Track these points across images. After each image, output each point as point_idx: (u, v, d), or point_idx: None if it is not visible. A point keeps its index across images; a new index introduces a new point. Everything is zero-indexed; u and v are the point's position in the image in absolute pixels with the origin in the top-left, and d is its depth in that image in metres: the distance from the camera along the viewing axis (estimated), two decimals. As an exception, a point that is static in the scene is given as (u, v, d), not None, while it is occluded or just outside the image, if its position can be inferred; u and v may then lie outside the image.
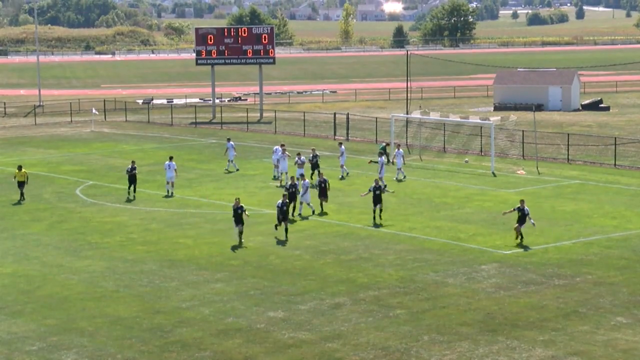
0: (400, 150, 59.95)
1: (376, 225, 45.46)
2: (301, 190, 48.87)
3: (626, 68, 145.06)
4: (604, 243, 42.21)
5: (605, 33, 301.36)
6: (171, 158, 55.74)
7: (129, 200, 52.38)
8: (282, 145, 59.99)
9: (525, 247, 41.07)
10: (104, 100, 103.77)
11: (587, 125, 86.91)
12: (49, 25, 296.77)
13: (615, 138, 67.89)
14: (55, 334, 30.96)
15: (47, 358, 28.89)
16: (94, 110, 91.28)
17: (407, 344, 29.79)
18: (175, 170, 54.60)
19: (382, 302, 33.94)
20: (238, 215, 42.83)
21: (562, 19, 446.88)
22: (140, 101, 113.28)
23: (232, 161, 62.38)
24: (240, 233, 42.94)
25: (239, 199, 43.62)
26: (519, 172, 61.41)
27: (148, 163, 65.83)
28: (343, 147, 61.86)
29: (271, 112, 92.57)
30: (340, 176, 59.87)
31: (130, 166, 53.56)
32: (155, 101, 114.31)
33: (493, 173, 60.86)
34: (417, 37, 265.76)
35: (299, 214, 48.44)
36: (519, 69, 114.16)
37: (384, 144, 65.19)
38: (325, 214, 48.43)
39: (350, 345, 29.68)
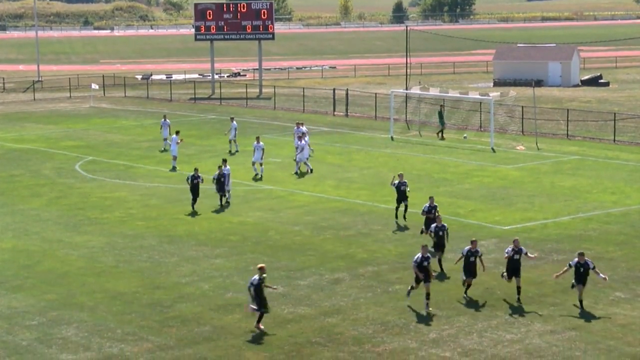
0: (261, 143, 53.49)
1: (400, 228, 41.00)
2: (297, 150, 52.92)
3: (626, 44, 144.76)
4: (603, 218, 42.26)
5: (605, 8, 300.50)
6: (177, 132, 56.16)
7: (193, 215, 44.06)
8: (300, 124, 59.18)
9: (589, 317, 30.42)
10: (103, 76, 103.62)
11: (586, 100, 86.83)
12: (48, 0, 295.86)
13: (615, 114, 67.86)
14: (55, 309, 31.04)
15: (47, 333, 28.97)
16: (93, 86, 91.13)
17: (406, 319, 29.87)
18: (177, 143, 54.97)
19: (382, 278, 34.01)
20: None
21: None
22: (139, 77, 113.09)
23: (234, 141, 61.37)
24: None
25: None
26: (518, 147, 61.40)
27: (147, 139, 65.78)
28: (304, 127, 60.72)
29: (270, 87, 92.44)
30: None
31: (192, 174, 45.13)
32: (154, 77, 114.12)
33: (492, 149, 60.85)
34: (416, 12, 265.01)
35: (296, 172, 52.07)
36: (518, 45, 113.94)
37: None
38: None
39: (349, 320, 29.76)
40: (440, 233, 34.56)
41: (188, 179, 44.82)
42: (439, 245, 34.70)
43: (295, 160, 53.96)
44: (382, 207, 44.73)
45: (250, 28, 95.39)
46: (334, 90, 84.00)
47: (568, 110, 69.58)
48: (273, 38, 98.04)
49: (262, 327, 28.99)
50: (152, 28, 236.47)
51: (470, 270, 31.54)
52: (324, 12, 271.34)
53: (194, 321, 29.82)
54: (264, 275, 29.17)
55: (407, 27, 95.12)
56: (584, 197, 46.74)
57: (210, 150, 61.48)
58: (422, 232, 37.61)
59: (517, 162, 56.52)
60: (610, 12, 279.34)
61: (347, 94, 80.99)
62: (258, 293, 28.91)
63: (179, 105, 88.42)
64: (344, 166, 55.37)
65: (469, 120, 72.47)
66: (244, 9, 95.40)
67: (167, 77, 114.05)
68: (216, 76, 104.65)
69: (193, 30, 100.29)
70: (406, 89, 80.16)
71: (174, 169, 54.68)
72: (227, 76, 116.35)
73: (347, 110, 79.76)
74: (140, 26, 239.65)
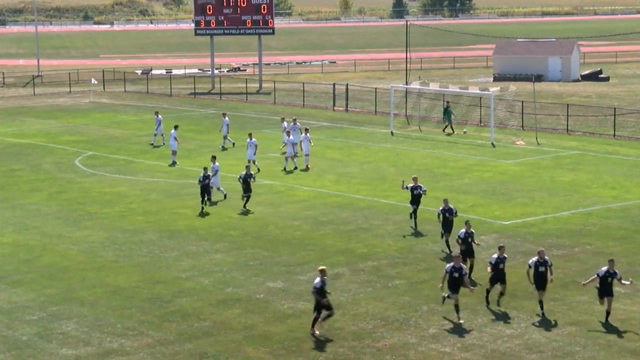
0: (254, 139, 53.16)
1: (416, 233, 39.42)
2: (287, 148, 52.94)
3: (626, 38, 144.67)
4: (602, 213, 42.27)
5: (605, 3, 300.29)
6: (176, 127, 56.20)
7: (202, 215, 43.03)
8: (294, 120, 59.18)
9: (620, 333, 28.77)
10: (103, 71, 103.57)
11: (586, 95, 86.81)
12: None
13: (615, 108, 67.85)
14: (55, 304, 31.06)
15: (47, 327, 28.99)
16: (93, 81, 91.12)
17: (406, 314, 29.88)
18: (175, 138, 54.94)
19: (381, 273, 34.02)
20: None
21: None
22: (139, 71, 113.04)
23: (226, 137, 60.73)
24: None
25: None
26: (518, 142, 61.39)
27: (147, 134, 65.71)
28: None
29: (270, 82, 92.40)
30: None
31: (202, 174, 44.28)
32: (154, 71, 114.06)
33: (492, 144, 60.84)
34: (416, 7, 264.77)
35: (284, 169, 52.21)
36: (518, 40, 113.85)
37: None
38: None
39: (349, 316, 29.77)
40: (470, 240, 33.33)
41: (200, 179, 43.74)
42: (467, 252, 33.30)
43: (284, 155, 53.78)
44: (382, 202, 44.74)
45: (250, 23, 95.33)
46: (334, 85, 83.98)
47: (568, 105, 69.58)
48: (273, 33, 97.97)
49: (317, 331, 28.00)
50: (152, 23, 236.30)
51: (499, 277, 30.48)
52: (324, 7, 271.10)
53: (194, 316, 29.84)
54: (325, 277, 28.13)
55: (407, 21, 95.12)
56: (584, 192, 46.74)
57: (210, 145, 61.45)
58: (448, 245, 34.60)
59: (517, 157, 56.52)
60: (611, 7, 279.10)
61: (347, 89, 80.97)
62: (323, 295, 27.97)
63: (178, 100, 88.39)
64: (343, 161, 55.37)
65: (469, 115, 72.43)
66: (243, 3, 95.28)
67: (167, 72, 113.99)
68: (216, 71, 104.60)
69: (193, 25, 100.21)
70: (406, 83, 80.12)
71: (173, 163, 54.69)
72: (227, 71, 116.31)
73: (347, 105, 79.74)
74: (140, 21, 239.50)
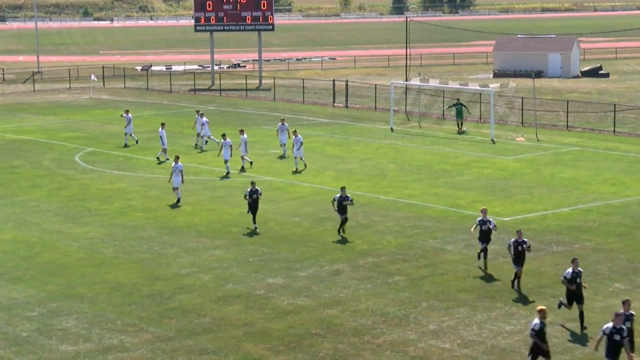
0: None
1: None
2: (294, 146, 51.28)
3: (626, 35, 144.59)
4: (602, 210, 42.27)
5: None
6: (163, 125, 55.85)
7: (250, 234, 39.01)
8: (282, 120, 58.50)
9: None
10: (103, 67, 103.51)
11: (586, 92, 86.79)
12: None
13: (615, 105, 67.84)
14: (55, 300, 31.07)
15: (47, 324, 29.00)
16: (92, 77, 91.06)
17: (406, 310, 29.90)
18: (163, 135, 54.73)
19: (381, 269, 34.04)
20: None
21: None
22: (139, 68, 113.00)
23: (203, 136, 59.15)
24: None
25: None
26: (518, 139, 61.39)
27: (147, 130, 65.69)
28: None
29: (270, 79, 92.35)
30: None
31: (250, 189, 39.75)
32: (154, 68, 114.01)
33: (492, 140, 60.83)
34: (416, 3, 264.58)
35: (295, 171, 50.77)
36: (518, 36, 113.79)
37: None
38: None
39: (349, 312, 29.79)
40: (520, 248, 31.47)
41: (246, 195, 39.34)
42: (518, 259, 31.54)
43: (294, 156, 52.54)
44: (382, 199, 44.74)
45: (250, 19, 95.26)
46: (333, 81, 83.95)
47: (568, 101, 69.56)
48: (273, 29, 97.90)
49: None
50: (151, 19, 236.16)
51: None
52: (324, 3, 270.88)
53: (194, 312, 29.85)
54: (545, 318, 24.61)
55: (407, 18, 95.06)
56: (584, 188, 46.74)
57: (209, 141, 61.37)
58: (559, 306, 29.23)
59: (516, 153, 56.52)
60: (610, 3, 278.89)
61: (347, 85, 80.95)
62: (543, 339, 24.43)
63: (178, 96, 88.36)
64: (343, 157, 55.36)
65: (469, 111, 72.34)
66: (243, 0, 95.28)
67: (166, 68, 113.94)
68: (216, 67, 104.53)
69: (193, 21, 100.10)
70: (406, 80, 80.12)
71: (163, 160, 54.19)
72: (227, 67, 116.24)
73: (346, 101, 79.72)
74: (140, 17, 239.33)
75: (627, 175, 49.59)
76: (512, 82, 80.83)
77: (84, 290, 32.08)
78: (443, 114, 70.63)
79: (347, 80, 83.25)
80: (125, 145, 59.69)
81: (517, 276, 31.69)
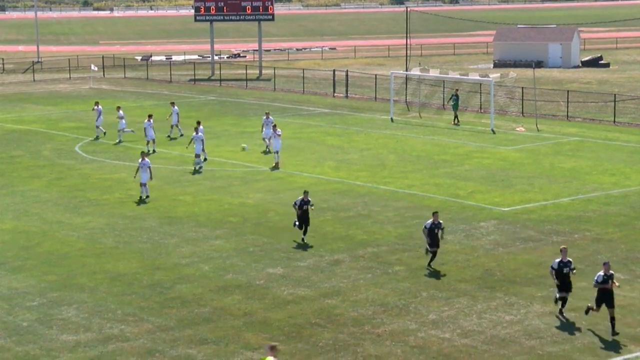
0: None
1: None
2: (273, 139, 49.99)
3: (626, 24, 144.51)
4: (602, 200, 42.28)
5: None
6: (150, 116, 55.52)
7: (304, 247, 35.71)
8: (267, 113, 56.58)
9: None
10: (103, 57, 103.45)
11: (586, 82, 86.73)
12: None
13: (615, 95, 67.81)
14: (56, 290, 31.09)
15: (47, 313, 29.02)
16: (92, 67, 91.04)
17: (405, 300, 29.92)
18: (147, 127, 54.43)
19: (381, 259, 34.05)
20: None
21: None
22: (139, 58, 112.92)
23: (176, 126, 59.60)
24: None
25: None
26: (518, 129, 61.36)
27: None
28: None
29: (270, 69, 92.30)
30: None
31: (301, 198, 36.36)
32: (153, 58, 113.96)
33: (492, 130, 60.82)
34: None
35: (274, 166, 49.46)
36: (518, 26, 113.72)
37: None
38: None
39: (349, 302, 29.80)
40: (565, 270, 28.35)
41: (295, 204, 36.13)
42: (565, 285, 28.41)
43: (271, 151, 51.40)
44: (382, 189, 44.74)
45: (250, 9, 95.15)
46: (333, 71, 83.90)
47: (568, 91, 69.53)
48: (273, 19, 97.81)
49: None
50: (151, 9, 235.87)
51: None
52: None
53: (194, 302, 29.88)
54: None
55: (407, 8, 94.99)
56: (584, 178, 46.74)
57: (210, 132, 61.35)
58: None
59: (516, 143, 56.50)
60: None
61: (347, 75, 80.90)
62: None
63: (178, 86, 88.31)
64: (343, 147, 55.35)
65: (469, 101, 72.40)
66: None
67: (166, 58, 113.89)
68: (216, 57, 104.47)
69: (193, 11, 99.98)
70: (406, 70, 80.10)
71: (151, 152, 53.81)
72: (227, 57, 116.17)
73: (347, 91, 79.68)
74: (140, 7, 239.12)
75: (627, 166, 49.59)
76: (513, 72, 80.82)
77: (84, 280, 32.11)
78: (443, 105, 70.62)
79: (347, 71, 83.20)
80: (97, 138, 59.18)
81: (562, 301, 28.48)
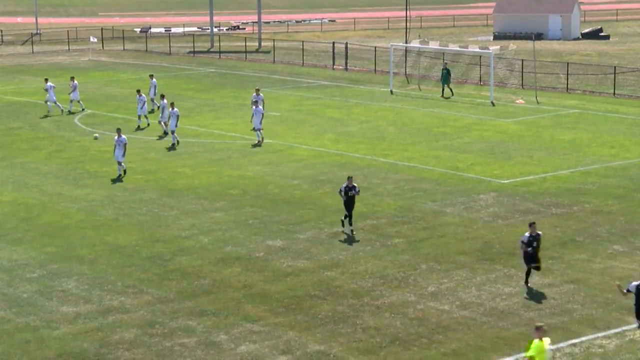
0: (175, 109, 49.28)
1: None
2: (255, 116, 48.74)
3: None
4: (602, 172, 42.30)
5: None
6: (138, 91, 54.81)
7: (348, 235, 33.89)
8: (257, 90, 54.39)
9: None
10: (102, 29, 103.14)
11: (586, 54, 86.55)
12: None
13: (615, 67, 67.69)
14: (56, 262, 31.15)
15: (47, 285, 29.09)
16: (92, 39, 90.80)
17: (405, 272, 29.98)
18: (144, 103, 53.94)
19: (381, 231, 34.09)
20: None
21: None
22: (138, 30, 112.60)
23: (152, 100, 58.66)
24: None
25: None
26: (517, 101, 61.30)
27: (146, 93, 65.48)
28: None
29: (270, 41, 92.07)
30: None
31: (346, 185, 34.03)
32: (153, 30, 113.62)
33: (492, 102, 60.76)
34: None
35: (256, 144, 48.46)
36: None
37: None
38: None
39: (348, 274, 29.87)
40: (534, 244, 28.51)
41: (341, 190, 33.97)
42: (533, 258, 28.67)
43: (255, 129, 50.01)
44: (382, 161, 44.74)
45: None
46: (333, 43, 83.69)
47: (568, 63, 69.40)
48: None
49: None
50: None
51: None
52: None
53: (194, 274, 29.94)
54: None
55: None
56: (583, 150, 46.74)
57: (209, 104, 61.36)
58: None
59: (516, 115, 56.46)
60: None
61: (346, 48, 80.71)
62: None
63: (177, 58, 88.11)
64: (343, 120, 55.30)
65: (469, 74, 72.28)
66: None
67: (166, 31, 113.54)
68: (215, 29, 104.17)
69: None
70: (406, 42, 79.87)
71: (139, 128, 53.52)
72: (227, 29, 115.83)
73: (346, 64, 79.52)
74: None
75: (627, 138, 49.58)
76: (512, 45, 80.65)
77: (84, 252, 32.16)
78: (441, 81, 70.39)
79: (346, 43, 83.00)
80: (70, 112, 58.51)
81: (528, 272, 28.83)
